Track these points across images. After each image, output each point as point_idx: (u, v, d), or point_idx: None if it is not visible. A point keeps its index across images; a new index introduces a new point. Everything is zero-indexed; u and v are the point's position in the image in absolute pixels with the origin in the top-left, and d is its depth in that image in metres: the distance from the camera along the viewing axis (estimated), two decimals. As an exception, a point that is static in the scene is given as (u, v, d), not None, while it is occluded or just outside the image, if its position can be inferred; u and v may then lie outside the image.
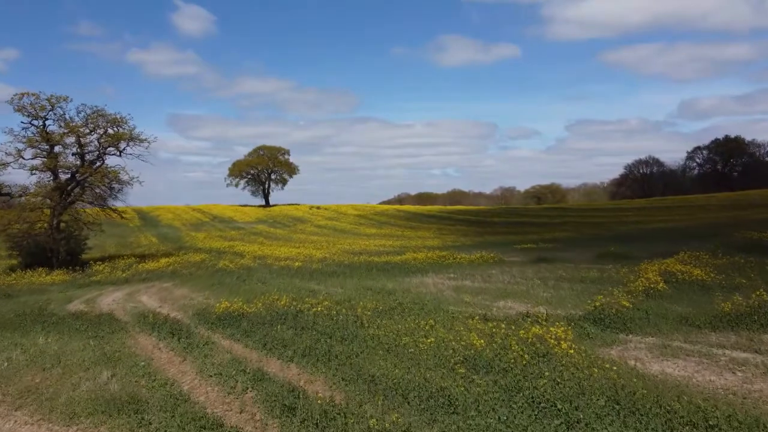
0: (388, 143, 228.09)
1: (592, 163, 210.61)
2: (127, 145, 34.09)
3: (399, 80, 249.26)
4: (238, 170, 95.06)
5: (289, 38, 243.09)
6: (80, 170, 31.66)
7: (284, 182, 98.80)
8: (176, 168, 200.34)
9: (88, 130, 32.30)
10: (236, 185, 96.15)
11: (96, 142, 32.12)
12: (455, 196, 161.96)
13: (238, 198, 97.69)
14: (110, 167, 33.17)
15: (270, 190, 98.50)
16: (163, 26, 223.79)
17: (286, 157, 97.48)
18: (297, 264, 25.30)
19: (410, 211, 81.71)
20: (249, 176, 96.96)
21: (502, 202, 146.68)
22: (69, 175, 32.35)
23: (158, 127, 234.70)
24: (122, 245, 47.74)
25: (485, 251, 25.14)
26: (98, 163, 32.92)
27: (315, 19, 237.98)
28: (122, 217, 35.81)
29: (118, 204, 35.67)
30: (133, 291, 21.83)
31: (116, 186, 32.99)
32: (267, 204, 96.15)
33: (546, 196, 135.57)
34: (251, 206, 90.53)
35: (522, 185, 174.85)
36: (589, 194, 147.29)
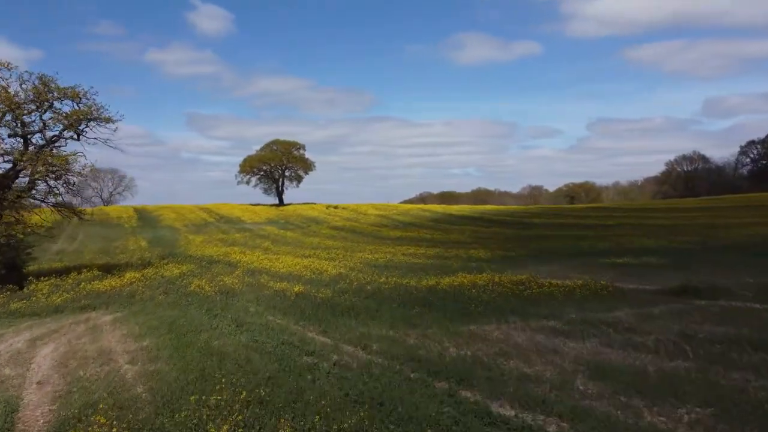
0: (406, 142, 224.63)
1: (615, 162, 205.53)
2: (86, 126, 26.78)
3: (417, 79, 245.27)
4: (249, 166, 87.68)
5: (306, 37, 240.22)
6: (23, 157, 24.36)
7: (299, 179, 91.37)
8: (197, 167, 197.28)
9: (34, 106, 24.99)
10: (247, 182, 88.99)
11: (40, 120, 24.75)
12: (480, 196, 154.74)
13: (255, 197, 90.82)
14: (65, 153, 25.88)
15: (284, 188, 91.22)
16: (181, 26, 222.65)
17: (301, 152, 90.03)
18: (298, 288, 17.62)
19: (437, 211, 73.72)
20: (261, 173, 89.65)
21: (530, 202, 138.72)
22: (10, 165, 25.09)
23: (178, 127, 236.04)
24: (103, 251, 40.59)
25: (568, 270, 17.22)
26: (49, 148, 25.61)
27: (332, 17, 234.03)
28: (81, 218, 28.49)
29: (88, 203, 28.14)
30: (46, 333, 14.39)
31: (72, 178, 25.63)
32: (281, 203, 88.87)
33: (579, 195, 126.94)
34: (264, 205, 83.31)
35: (545, 185, 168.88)
36: (625, 193, 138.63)
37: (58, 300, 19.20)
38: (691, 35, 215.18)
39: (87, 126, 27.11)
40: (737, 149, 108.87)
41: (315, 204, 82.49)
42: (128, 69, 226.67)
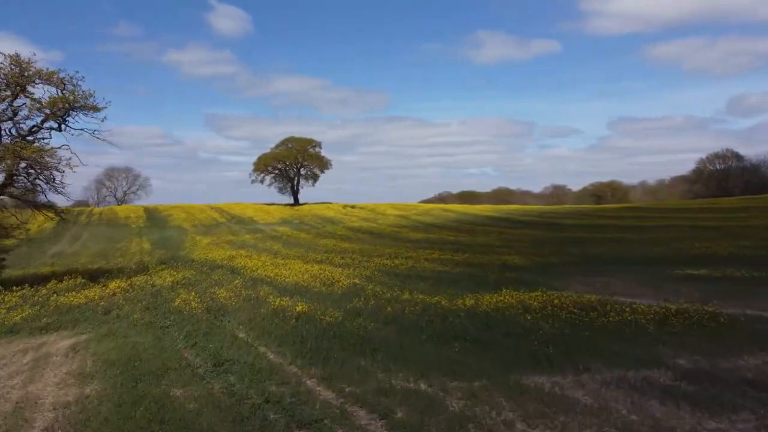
0: (422, 142, 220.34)
1: (635, 161, 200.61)
2: (68, 115, 23.78)
3: (433, 78, 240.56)
4: (263, 165, 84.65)
5: (322, 36, 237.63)
6: (-5, 150, 21.35)
7: (315, 178, 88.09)
8: (215, 167, 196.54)
9: (9, 92, 22.00)
10: (261, 181, 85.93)
11: (9, 107, 21.73)
12: (501, 195, 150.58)
13: (273, 197, 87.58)
14: (48, 146, 22.91)
15: (299, 187, 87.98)
16: (199, 26, 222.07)
17: (317, 149, 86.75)
18: (301, 307, 14.26)
19: (459, 211, 70.02)
20: (276, 171, 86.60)
21: (554, 201, 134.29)
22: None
23: (197, 128, 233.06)
24: (102, 254, 37.71)
25: (636, 285, 13.61)
26: (29, 139, 22.63)
27: (348, 16, 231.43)
28: (62, 217, 25.59)
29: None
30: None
31: (49, 173, 22.59)
32: (296, 202, 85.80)
33: (606, 194, 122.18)
34: (278, 205, 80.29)
35: (567, 185, 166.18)
36: (653, 193, 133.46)
37: (17, 317, 16.07)
38: (713, 32, 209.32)
39: (70, 115, 24.13)
40: (762, 148, 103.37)
41: (331, 204, 79.28)
42: (147, 69, 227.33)
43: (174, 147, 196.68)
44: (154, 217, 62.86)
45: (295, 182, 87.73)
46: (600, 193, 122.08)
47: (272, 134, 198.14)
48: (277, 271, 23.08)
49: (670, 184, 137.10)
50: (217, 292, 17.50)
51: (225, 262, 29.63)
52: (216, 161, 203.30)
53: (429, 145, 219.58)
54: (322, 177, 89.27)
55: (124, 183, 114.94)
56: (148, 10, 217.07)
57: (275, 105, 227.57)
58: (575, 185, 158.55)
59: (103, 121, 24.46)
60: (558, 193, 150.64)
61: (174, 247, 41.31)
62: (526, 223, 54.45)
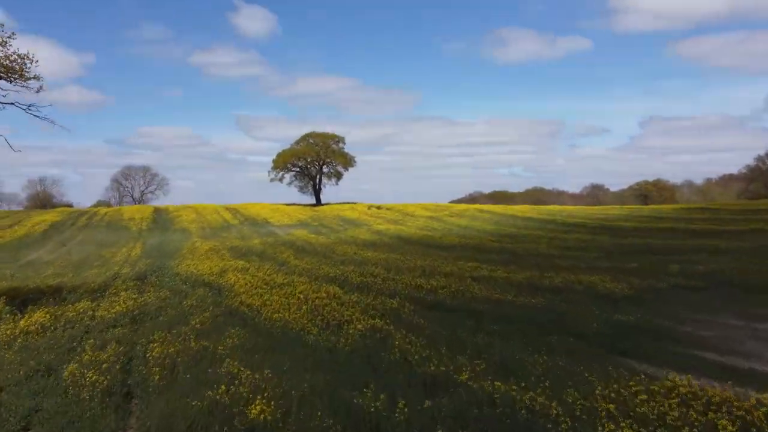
0: (451, 141, 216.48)
1: (669, 160, 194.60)
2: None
3: (460, 77, 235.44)
4: (282, 162, 78.51)
5: (349, 36, 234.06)
6: None
7: (338, 176, 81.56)
8: (244, 168, 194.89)
9: None
10: (280, 180, 79.70)
11: None
12: (535, 195, 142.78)
13: (300, 196, 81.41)
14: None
15: (321, 186, 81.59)
16: (225, 27, 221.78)
17: (341, 145, 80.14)
18: (259, 410, 7.49)
19: (497, 212, 62.69)
20: (296, 169, 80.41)
21: (592, 202, 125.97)
22: None
23: (224, 129, 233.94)
24: (80, 263, 31.76)
25: None
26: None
27: (373, 16, 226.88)
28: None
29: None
30: None
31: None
32: (318, 202, 79.52)
33: (652, 194, 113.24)
34: (298, 205, 74.02)
35: (602, 184, 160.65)
36: (702, 193, 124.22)
37: None
38: (750, 27, 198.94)
39: (-4, 85, 18.01)
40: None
41: (355, 204, 72.65)
42: (175, 71, 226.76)
43: (203, 148, 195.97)
44: (160, 219, 57.19)
45: (317, 181, 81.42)
46: (646, 192, 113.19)
47: (300, 134, 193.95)
48: (268, 297, 16.44)
49: (720, 183, 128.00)
50: (154, 349, 10.85)
51: (212, 278, 23.27)
52: (244, 162, 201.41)
53: (457, 144, 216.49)
54: (347, 176, 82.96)
55: (142, 182, 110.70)
56: (174, 13, 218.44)
57: (302, 105, 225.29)
58: (609, 185, 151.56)
59: (38, 91, 18.25)
60: (596, 193, 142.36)
61: (167, 254, 35.21)
62: (576, 226, 47.07)
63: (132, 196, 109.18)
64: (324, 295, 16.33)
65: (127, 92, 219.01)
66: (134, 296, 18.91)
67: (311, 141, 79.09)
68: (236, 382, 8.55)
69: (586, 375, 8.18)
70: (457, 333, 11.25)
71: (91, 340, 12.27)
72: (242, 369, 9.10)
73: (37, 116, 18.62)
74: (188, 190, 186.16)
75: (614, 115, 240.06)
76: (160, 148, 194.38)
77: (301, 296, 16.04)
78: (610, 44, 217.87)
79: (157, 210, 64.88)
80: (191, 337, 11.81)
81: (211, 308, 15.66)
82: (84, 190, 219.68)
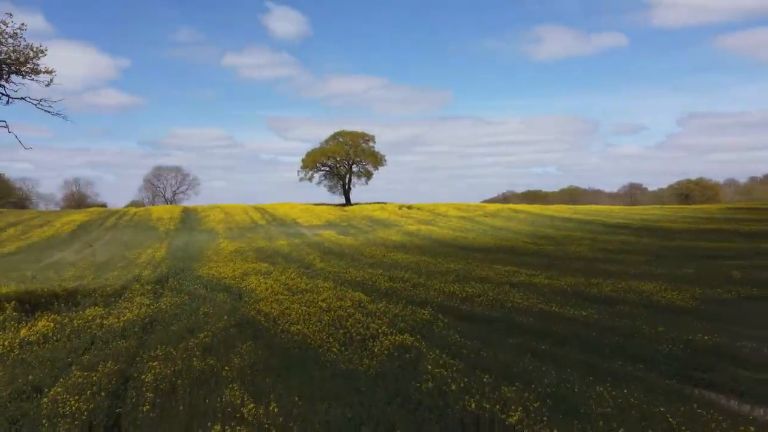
0: (482, 141, 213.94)
1: (708, 159, 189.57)
2: (8, 75, 16.83)
3: (492, 76, 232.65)
4: (311, 161, 77.48)
5: (379, 36, 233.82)
6: None
7: (368, 176, 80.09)
8: (276, 169, 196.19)
9: None
10: (310, 179, 78.64)
11: None
12: (571, 195, 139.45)
13: (331, 196, 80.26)
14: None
15: (351, 186, 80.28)
16: (257, 29, 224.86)
17: (371, 144, 78.67)
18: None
19: (532, 212, 60.44)
20: (326, 168, 79.30)
21: (630, 202, 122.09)
22: None
23: (259, 130, 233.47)
24: (102, 265, 31.01)
25: None
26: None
27: (404, 15, 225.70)
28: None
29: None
30: None
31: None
32: (347, 202, 78.29)
33: (694, 193, 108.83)
34: (327, 205, 72.89)
35: (641, 183, 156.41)
36: (746, 192, 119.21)
37: None
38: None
39: (5, 79, 17.12)
40: None
41: (385, 204, 71.15)
42: (208, 73, 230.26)
43: (235, 149, 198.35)
44: (188, 219, 56.66)
45: (347, 180, 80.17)
46: (687, 191, 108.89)
47: (329, 135, 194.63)
48: (288, 305, 15.05)
49: (765, 182, 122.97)
50: (153, 370, 9.50)
51: (234, 282, 22.10)
52: (276, 162, 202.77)
53: (489, 144, 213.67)
54: (377, 176, 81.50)
55: (173, 182, 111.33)
56: (207, 16, 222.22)
57: (333, 105, 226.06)
58: (646, 184, 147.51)
59: (49, 85, 17.26)
60: (634, 192, 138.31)
61: (191, 255, 34.31)
62: (618, 228, 44.72)
63: (164, 197, 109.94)
64: (348, 303, 14.86)
65: (162, 94, 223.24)
66: (149, 302, 17.80)
67: (341, 140, 77.89)
68: (237, 416, 7.14)
69: (668, 417, 6.51)
70: (500, 354, 9.65)
71: (88, 356, 11.05)
72: (246, 399, 7.69)
73: (49, 111, 17.64)
74: (221, 190, 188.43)
75: (651, 112, 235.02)
76: (193, 149, 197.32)
77: (324, 304, 14.60)
78: (647, 39, 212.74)
79: (185, 210, 64.50)
80: (197, 353, 10.48)
81: (225, 317, 14.35)
82: (120, 190, 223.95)
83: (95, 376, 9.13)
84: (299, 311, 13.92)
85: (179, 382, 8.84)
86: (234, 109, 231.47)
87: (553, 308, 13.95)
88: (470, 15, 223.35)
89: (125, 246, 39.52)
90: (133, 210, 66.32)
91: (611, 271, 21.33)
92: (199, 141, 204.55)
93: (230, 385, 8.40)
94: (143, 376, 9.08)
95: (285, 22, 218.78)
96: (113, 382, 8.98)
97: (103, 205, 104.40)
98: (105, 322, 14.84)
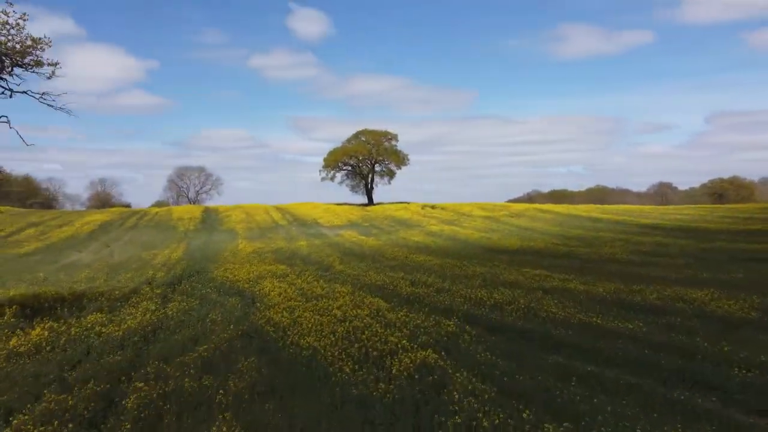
0: (505, 140, 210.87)
1: (738, 158, 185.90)
2: (6, 72, 15.98)
3: (515, 75, 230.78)
4: (333, 160, 76.41)
5: (402, 35, 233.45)
6: None
7: (391, 175, 78.72)
8: (300, 169, 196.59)
9: None
10: (331, 179, 77.53)
11: None
12: (597, 194, 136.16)
13: (355, 196, 79.09)
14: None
15: (373, 185, 79.04)
16: (281, 30, 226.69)
17: (394, 143, 77.29)
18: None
19: (560, 212, 58.44)
20: (348, 168, 78.16)
21: (660, 201, 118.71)
22: None
23: (282, 130, 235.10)
24: (116, 267, 30.21)
25: None
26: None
27: (427, 14, 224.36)
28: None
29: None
30: None
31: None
32: (370, 202, 77.08)
33: (728, 193, 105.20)
34: (349, 205, 71.72)
35: (670, 182, 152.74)
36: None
37: None
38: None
39: (8, 72, 16.26)
40: None
41: (408, 203, 69.73)
42: (233, 74, 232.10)
43: (260, 149, 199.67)
44: (208, 219, 55.98)
45: (369, 179, 78.94)
46: (721, 191, 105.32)
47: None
48: (300, 313, 13.83)
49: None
50: (139, 392, 8.33)
51: (248, 285, 20.99)
52: (300, 162, 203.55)
53: (513, 143, 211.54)
54: (400, 175, 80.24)
55: (197, 182, 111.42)
56: (232, 18, 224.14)
57: (356, 106, 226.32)
58: (676, 183, 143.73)
59: (50, 77, 16.32)
60: (664, 192, 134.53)
61: (208, 256, 33.40)
62: (651, 228, 42.71)
63: (187, 197, 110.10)
64: (366, 312, 13.57)
65: (189, 96, 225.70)
66: (155, 307, 16.76)
67: (363, 139, 76.65)
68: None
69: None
70: (539, 377, 8.25)
71: (75, 372, 9.94)
72: (238, 433, 6.44)
73: (51, 105, 16.70)
74: (247, 191, 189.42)
75: (678, 110, 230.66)
76: (220, 149, 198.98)
77: (339, 313, 13.33)
78: (674, 36, 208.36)
79: (207, 210, 63.91)
80: (193, 370, 9.29)
81: (231, 326, 13.18)
82: (148, 191, 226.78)
83: (71, 399, 7.98)
84: (311, 321, 12.67)
85: (165, 408, 7.63)
86: (259, 110, 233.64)
87: (594, 319, 12.46)
88: (494, 14, 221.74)
89: (143, 246, 38.82)
90: (155, 210, 65.98)
91: (651, 276, 19.67)
92: (226, 142, 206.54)
93: (223, 414, 7.16)
94: (125, 401, 7.90)
95: (308, 23, 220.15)
96: (90, 408, 7.81)
97: (128, 205, 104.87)
98: (104, 330, 13.80)
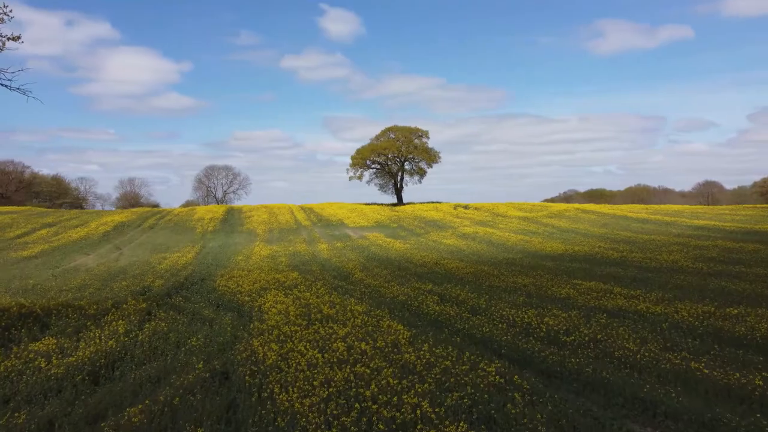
0: (540, 139, 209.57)
1: None
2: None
3: (550, 73, 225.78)
4: (361, 158, 73.17)
5: (434, 34, 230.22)
6: None
7: (421, 174, 75.08)
8: (333, 169, 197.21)
9: None
10: (359, 178, 74.22)
11: None
12: (638, 194, 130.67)
13: (386, 196, 75.75)
14: None
15: (403, 184, 75.53)
16: (313, 31, 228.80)
17: (424, 140, 73.60)
18: None
19: (603, 212, 54.06)
20: (376, 166, 74.82)
21: (706, 201, 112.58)
22: None
23: (315, 130, 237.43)
24: (118, 272, 27.63)
25: None
26: None
27: (460, 13, 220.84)
28: None
29: None
30: None
31: None
32: (399, 202, 73.71)
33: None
34: (378, 205, 68.50)
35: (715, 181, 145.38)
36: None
37: None
38: None
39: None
40: None
41: (439, 203, 66.14)
42: (267, 76, 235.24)
43: (294, 149, 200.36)
44: (230, 219, 53.48)
45: (398, 178, 75.52)
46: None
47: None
48: (292, 345, 10.58)
49: None
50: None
51: (249, 298, 17.99)
52: (332, 163, 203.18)
53: (547, 142, 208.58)
54: (431, 175, 76.88)
55: (224, 182, 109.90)
56: (265, 19, 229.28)
57: (388, 106, 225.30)
58: (722, 182, 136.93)
59: (2, 48, 13.50)
60: (710, 191, 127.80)
61: (219, 261, 30.63)
62: (708, 231, 38.43)
63: (215, 196, 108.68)
64: (379, 344, 10.28)
65: (222, 97, 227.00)
66: (128, 328, 13.76)
67: (392, 135, 73.18)
68: None
69: None
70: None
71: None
72: None
73: (6, 86, 13.86)
74: (282, 191, 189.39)
75: (719, 107, 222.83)
76: (255, 150, 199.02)
77: (342, 347, 10.06)
78: (715, 31, 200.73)
79: (230, 210, 61.55)
80: None
81: (202, 363, 10.08)
82: (182, 191, 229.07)
83: None
84: (304, 359, 9.45)
85: None
86: (293, 111, 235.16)
87: (694, 364, 8.91)
88: (526, 12, 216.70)
89: (155, 249, 36.34)
90: (177, 210, 63.98)
91: (740, 292, 15.89)
92: (260, 142, 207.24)
93: None
94: None
95: (339, 23, 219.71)
96: None
97: (155, 205, 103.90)
98: (47, 364, 10.83)
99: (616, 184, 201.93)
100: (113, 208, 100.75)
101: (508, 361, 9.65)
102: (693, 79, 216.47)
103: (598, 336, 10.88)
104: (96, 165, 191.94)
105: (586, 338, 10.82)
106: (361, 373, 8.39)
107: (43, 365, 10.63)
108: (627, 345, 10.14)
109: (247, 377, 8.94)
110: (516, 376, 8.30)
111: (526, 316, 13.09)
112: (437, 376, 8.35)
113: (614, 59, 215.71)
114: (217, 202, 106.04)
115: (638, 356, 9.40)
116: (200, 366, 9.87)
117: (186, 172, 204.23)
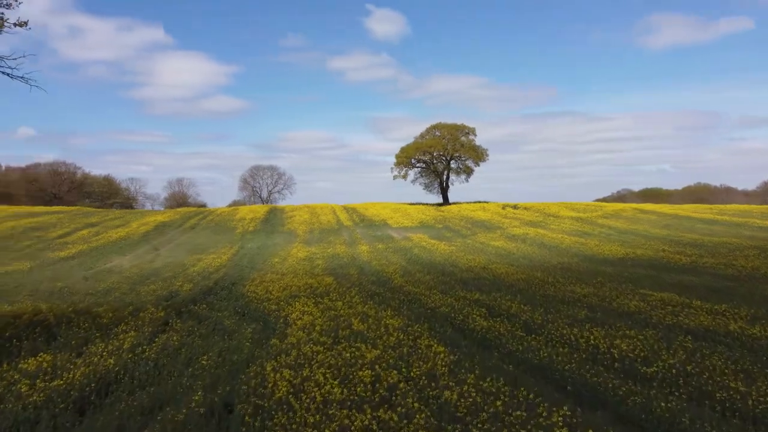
0: (590, 138, 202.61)
1: None
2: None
3: (601, 69, 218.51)
4: (405, 157, 71.19)
5: (480, 33, 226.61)
6: None
7: (468, 172, 72.48)
8: (379, 169, 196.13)
9: None
10: (404, 177, 72.25)
11: None
12: (697, 193, 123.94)
13: (431, 196, 73.78)
14: None
15: (449, 184, 73.15)
16: (359, 32, 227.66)
17: (471, 138, 71.00)
18: None
19: (664, 213, 50.41)
20: (422, 165, 72.74)
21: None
22: None
23: (361, 131, 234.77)
24: (153, 273, 26.62)
25: None
26: None
27: (505, 10, 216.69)
28: None
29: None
30: None
31: None
32: (445, 201, 71.42)
33: None
34: (423, 204, 66.42)
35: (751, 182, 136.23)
36: None
37: None
38: None
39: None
40: None
41: (486, 203, 63.54)
42: (313, 77, 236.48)
43: (340, 150, 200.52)
44: (271, 219, 52.48)
45: (444, 177, 73.19)
46: None
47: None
48: (309, 372, 8.81)
49: None
50: None
51: (275, 307, 16.41)
52: (378, 163, 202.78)
53: (597, 140, 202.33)
54: (478, 175, 74.20)
55: (269, 182, 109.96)
56: (312, 21, 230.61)
57: (433, 105, 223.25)
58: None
59: None
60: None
61: (254, 263, 29.36)
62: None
63: (260, 196, 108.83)
64: (415, 373, 8.42)
65: (270, 99, 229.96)
66: (136, 342, 12.34)
67: (437, 133, 70.95)
68: None
69: None
70: None
71: None
72: None
73: (8, 74, 12.67)
74: (328, 191, 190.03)
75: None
76: (302, 151, 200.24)
77: (369, 377, 8.24)
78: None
79: (272, 210, 60.68)
80: None
81: (201, 393, 8.45)
82: (231, 192, 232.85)
83: None
84: (320, 393, 7.67)
85: None
86: (339, 111, 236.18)
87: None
88: (577, 6, 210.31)
89: (192, 250, 35.46)
90: (220, 210, 63.57)
91: None
92: (307, 143, 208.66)
93: None
94: None
95: (385, 24, 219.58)
96: None
97: (202, 205, 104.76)
98: (40, 385, 9.42)
99: (671, 183, 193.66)
100: (162, 208, 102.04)
101: (575, 400, 7.62)
102: (753, 74, 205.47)
103: (688, 368, 8.70)
104: (148, 166, 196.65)
105: (673, 371, 8.66)
106: (386, 421, 6.53)
107: (24, 390, 9.22)
108: (729, 383, 7.95)
109: (247, 417, 7.23)
110: (582, 413, 6.28)
111: (591, 337, 10.97)
112: (485, 427, 6.41)
113: (669, 54, 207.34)
114: (262, 201, 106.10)
115: (750, 402, 7.21)
116: (198, 397, 8.23)
117: (235, 173, 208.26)
